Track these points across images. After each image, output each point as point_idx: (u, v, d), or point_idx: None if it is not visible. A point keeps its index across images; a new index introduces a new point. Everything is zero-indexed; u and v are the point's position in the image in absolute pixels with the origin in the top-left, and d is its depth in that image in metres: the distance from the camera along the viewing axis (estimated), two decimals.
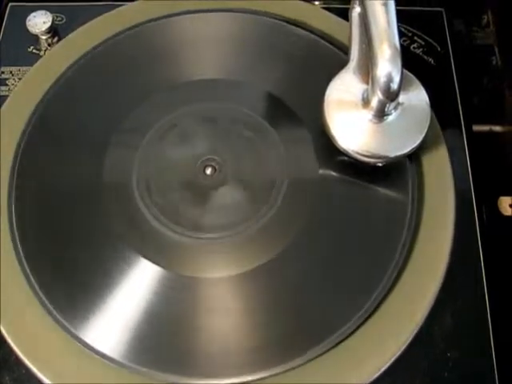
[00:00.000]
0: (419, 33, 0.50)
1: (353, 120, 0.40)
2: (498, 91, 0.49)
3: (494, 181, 0.46)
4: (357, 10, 0.42)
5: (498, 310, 0.40)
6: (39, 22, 0.50)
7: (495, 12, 0.52)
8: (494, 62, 0.51)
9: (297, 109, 0.44)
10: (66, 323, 0.38)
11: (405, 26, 0.50)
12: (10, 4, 0.53)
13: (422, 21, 0.51)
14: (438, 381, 0.38)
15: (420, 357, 0.39)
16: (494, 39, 0.51)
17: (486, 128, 0.49)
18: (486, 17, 0.53)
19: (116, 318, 0.38)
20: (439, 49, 0.50)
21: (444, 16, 0.52)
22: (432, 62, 0.49)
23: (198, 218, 0.41)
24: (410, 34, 0.50)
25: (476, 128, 0.47)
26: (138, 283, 0.39)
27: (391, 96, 0.37)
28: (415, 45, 0.50)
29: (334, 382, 0.36)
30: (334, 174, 0.42)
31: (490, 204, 0.45)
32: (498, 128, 0.49)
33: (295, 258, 0.39)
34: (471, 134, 0.47)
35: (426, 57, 0.49)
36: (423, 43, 0.50)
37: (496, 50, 0.51)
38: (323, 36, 0.47)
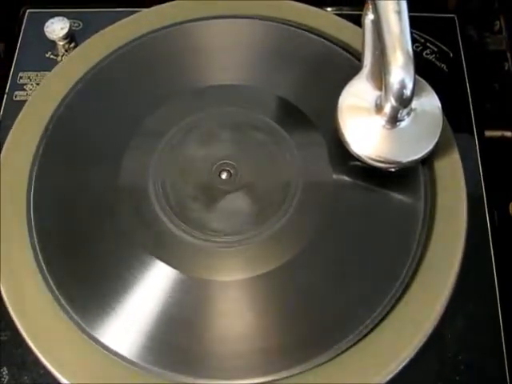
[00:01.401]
0: (432, 39, 0.50)
1: (366, 126, 0.40)
2: (510, 97, 0.50)
3: (506, 186, 0.46)
4: (370, 17, 0.42)
5: (510, 313, 0.41)
6: (57, 28, 0.50)
7: (507, 18, 0.52)
8: (507, 68, 0.51)
9: (311, 114, 0.44)
10: (83, 324, 0.38)
11: (417, 32, 0.50)
12: (28, 10, 0.54)
13: (435, 27, 0.51)
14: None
15: (432, 359, 0.39)
16: (506, 45, 0.52)
17: (498, 133, 0.49)
18: (498, 23, 0.53)
19: (132, 319, 0.38)
20: (451, 55, 0.50)
21: (456, 22, 0.52)
22: (444, 67, 0.50)
23: (213, 222, 0.42)
24: (422, 40, 0.50)
25: (488, 133, 0.47)
26: (154, 285, 0.39)
27: (404, 102, 0.38)
28: (428, 51, 0.50)
29: (347, 383, 0.37)
30: (347, 179, 0.42)
31: (501, 209, 0.45)
32: (509, 133, 0.49)
33: (309, 262, 0.40)
34: (483, 140, 0.47)
35: (438, 63, 0.50)
36: (436, 49, 0.50)
37: (508, 55, 0.51)
38: (336, 42, 0.47)
